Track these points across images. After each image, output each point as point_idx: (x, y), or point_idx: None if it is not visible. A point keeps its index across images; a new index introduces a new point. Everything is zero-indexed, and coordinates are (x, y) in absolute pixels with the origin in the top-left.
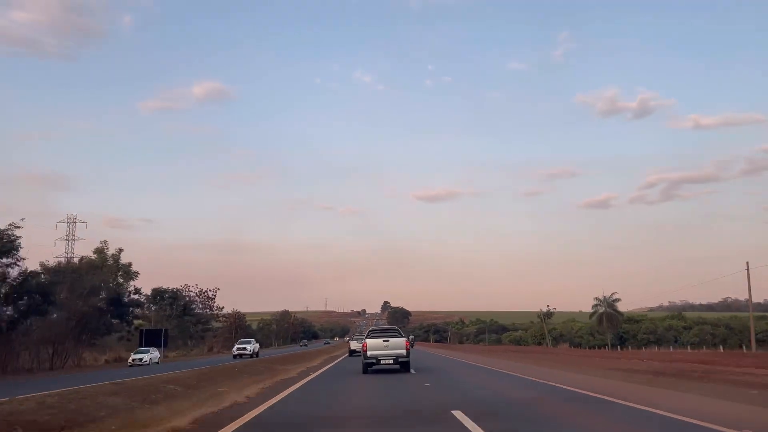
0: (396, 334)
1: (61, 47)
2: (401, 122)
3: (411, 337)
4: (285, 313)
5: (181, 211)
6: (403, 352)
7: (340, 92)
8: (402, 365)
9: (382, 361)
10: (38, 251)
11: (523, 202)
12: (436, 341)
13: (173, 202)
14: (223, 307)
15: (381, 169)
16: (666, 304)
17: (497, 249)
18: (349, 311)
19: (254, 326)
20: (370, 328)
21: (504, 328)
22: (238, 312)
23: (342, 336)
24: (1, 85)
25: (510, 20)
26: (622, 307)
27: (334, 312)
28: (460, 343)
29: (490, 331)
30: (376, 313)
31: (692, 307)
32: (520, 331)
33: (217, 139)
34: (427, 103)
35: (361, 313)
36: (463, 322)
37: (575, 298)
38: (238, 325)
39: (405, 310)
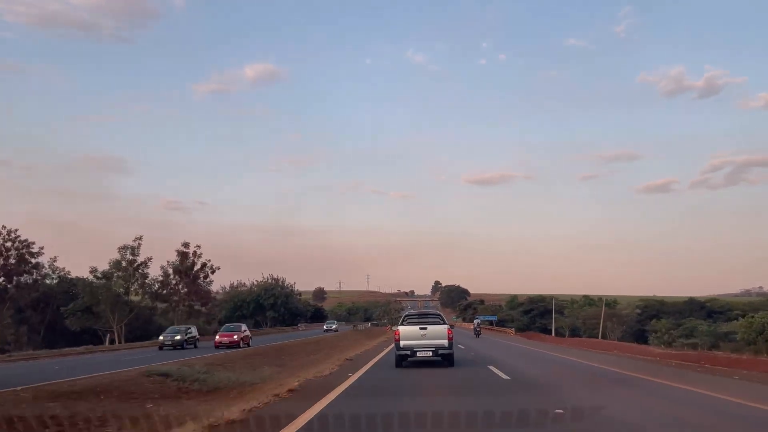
0: (437, 320)
1: (117, 29)
2: (453, 103)
3: (477, 321)
4: (184, 255)
5: (234, 193)
6: (445, 342)
7: (392, 73)
8: (444, 357)
9: (418, 353)
10: None
11: (580, 186)
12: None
13: (227, 184)
14: None
15: (432, 152)
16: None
17: (554, 233)
18: (396, 291)
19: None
20: (406, 313)
21: (706, 309)
22: None
23: (374, 320)
24: (59, 68)
25: None
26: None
27: (378, 292)
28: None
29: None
30: (426, 294)
31: None
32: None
33: (268, 122)
34: (480, 83)
35: (410, 294)
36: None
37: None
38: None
39: (461, 288)
